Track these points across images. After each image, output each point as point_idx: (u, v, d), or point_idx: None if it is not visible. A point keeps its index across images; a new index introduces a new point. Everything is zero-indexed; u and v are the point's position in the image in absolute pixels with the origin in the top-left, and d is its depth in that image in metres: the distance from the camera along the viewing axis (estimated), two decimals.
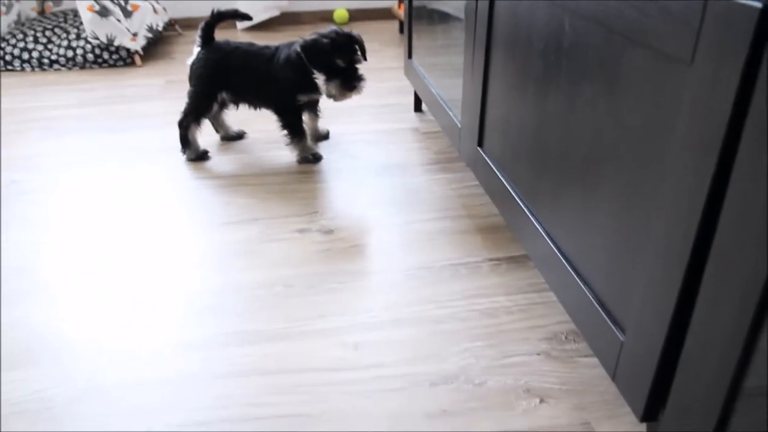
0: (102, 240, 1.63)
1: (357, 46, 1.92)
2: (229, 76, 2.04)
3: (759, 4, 0.60)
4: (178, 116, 2.42)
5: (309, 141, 2.10)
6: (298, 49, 1.89)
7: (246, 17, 2.19)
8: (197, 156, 2.11)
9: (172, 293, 1.42)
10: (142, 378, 1.18)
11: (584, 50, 0.99)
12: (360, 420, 1.08)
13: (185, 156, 2.11)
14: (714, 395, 0.73)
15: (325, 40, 1.85)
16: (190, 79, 2.08)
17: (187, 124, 2.08)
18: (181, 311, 1.36)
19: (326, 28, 1.92)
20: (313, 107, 2.13)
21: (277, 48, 2.00)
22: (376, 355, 1.22)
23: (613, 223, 0.95)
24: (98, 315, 1.35)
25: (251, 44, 2.07)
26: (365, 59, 1.96)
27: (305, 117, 2.11)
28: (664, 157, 0.79)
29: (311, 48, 1.87)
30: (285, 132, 2.04)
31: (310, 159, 2.06)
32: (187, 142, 2.10)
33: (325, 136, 2.26)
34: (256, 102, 2.10)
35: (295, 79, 1.94)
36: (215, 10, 2.04)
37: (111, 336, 1.29)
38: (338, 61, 1.87)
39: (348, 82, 1.90)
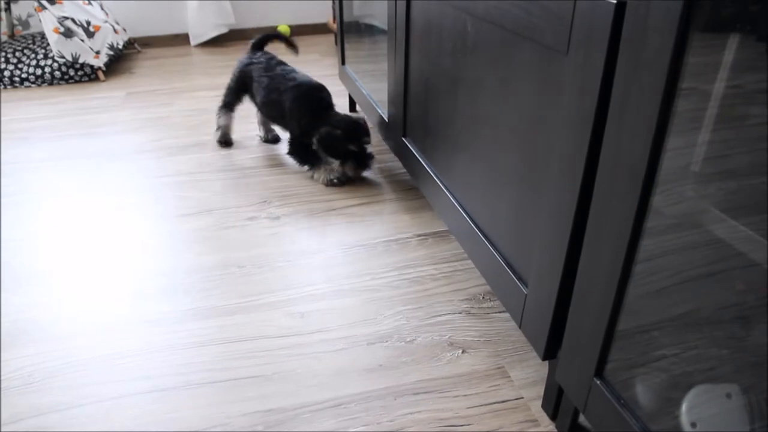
0: (74, 233, 1.58)
1: (363, 131, 1.83)
2: (249, 83, 2.00)
3: (614, 0, 0.62)
4: (138, 123, 2.39)
5: (334, 164, 1.85)
6: (314, 140, 1.81)
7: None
8: (219, 140, 2.13)
9: (138, 276, 1.39)
10: (113, 352, 1.16)
11: (484, 47, 1.01)
12: (307, 377, 1.08)
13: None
14: (596, 334, 0.75)
15: (338, 132, 1.78)
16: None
17: (219, 110, 2.10)
18: (146, 291, 1.33)
19: (336, 116, 1.84)
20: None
21: (293, 83, 1.88)
22: (320, 321, 1.23)
23: (514, 196, 0.97)
24: (72, 299, 1.31)
25: (278, 63, 1.98)
26: (369, 140, 1.86)
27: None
28: (551, 135, 0.82)
29: (326, 140, 1.79)
30: (294, 159, 1.93)
31: (335, 182, 1.85)
32: (218, 126, 2.11)
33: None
34: (273, 119, 2.03)
35: (303, 122, 1.85)
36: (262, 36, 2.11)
37: (83, 316, 1.25)
38: (351, 147, 1.80)
39: (361, 162, 1.84)
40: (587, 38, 0.68)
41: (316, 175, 1.87)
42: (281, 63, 1.99)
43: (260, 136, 2.19)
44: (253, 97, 2.03)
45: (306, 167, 1.90)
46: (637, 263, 0.68)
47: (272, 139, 2.17)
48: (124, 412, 1.02)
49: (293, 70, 1.96)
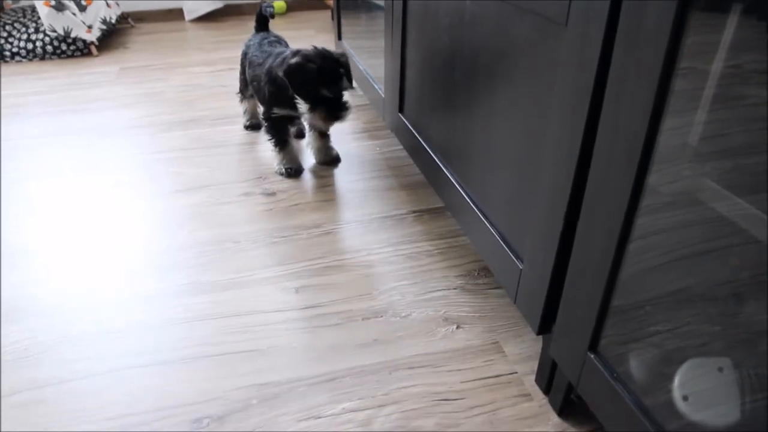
0: (68, 210, 1.57)
1: (343, 71, 1.54)
2: (245, 64, 1.83)
3: None
4: (131, 99, 2.37)
5: (293, 152, 1.74)
6: (280, 73, 1.51)
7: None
8: (245, 124, 2.04)
9: (132, 253, 1.38)
10: (108, 327, 1.16)
11: (482, 20, 1.00)
12: (302, 352, 1.09)
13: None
14: (591, 309, 0.76)
15: (311, 66, 1.47)
16: None
17: (240, 97, 2.00)
18: (141, 268, 1.33)
19: (310, 48, 1.53)
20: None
21: (275, 54, 1.65)
22: (315, 297, 1.23)
23: (511, 171, 0.97)
24: (67, 276, 1.31)
25: (273, 42, 1.79)
26: (352, 85, 1.58)
27: (310, 135, 1.79)
28: (549, 110, 0.81)
29: (296, 74, 1.48)
30: (271, 140, 1.72)
31: (283, 173, 1.71)
32: (243, 110, 2.02)
33: (335, 159, 1.80)
34: (257, 97, 1.81)
35: (273, 92, 1.61)
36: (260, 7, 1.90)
37: (79, 293, 1.25)
38: (324, 91, 1.50)
39: (333, 111, 1.53)
40: (586, 9, 0.68)
41: (276, 159, 1.73)
42: (277, 41, 1.82)
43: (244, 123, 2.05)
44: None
45: (274, 143, 1.72)
46: (632, 240, 0.68)
47: (252, 126, 2.03)
48: (119, 387, 1.03)
49: (286, 48, 1.74)
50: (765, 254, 0.56)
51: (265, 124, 1.71)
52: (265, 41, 1.79)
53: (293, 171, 1.71)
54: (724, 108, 0.59)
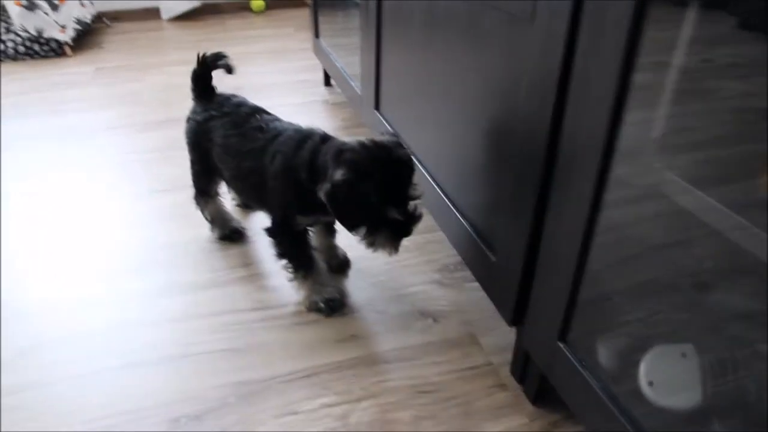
0: (44, 212, 1.57)
1: (406, 173, 1.00)
2: (210, 150, 1.28)
3: None
4: (107, 99, 2.35)
5: (323, 276, 1.21)
6: (321, 196, 0.98)
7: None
8: (220, 237, 1.42)
9: (109, 253, 1.38)
10: (86, 329, 1.16)
11: (453, 17, 1.01)
12: (280, 349, 1.10)
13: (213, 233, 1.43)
14: (560, 300, 0.78)
15: (367, 185, 0.95)
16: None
17: (197, 200, 1.42)
18: (119, 268, 1.33)
19: (355, 140, 1.00)
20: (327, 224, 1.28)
21: (274, 135, 1.15)
22: (292, 294, 1.23)
23: (483, 165, 0.98)
24: (45, 277, 1.31)
25: (252, 112, 1.24)
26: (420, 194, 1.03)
27: (316, 235, 1.28)
28: (517, 103, 0.83)
29: (345, 196, 0.97)
30: (282, 262, 1.19)
31: (322, 308, 1.18)
32: (206, 219, 1.43)
33: (344, 264, 1.32)
34: (248, 200, 1.41)
35: (293, 199, 1.12)
36: (203, 55, 1.37)
37: (56, 294, 1.25)
38: (393, 212, 0.99)
39: (401, 229, 1.03)
40: (551, 5, 0.69)
41: (297, 287, 1.20)
42: (257, 110, 1.26)
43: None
44: (219, 172, 1.30)
45: (294, 268, 1.19)
46: (599, 233, 0.70)
47: (232, 234, 1.43)
48: (98, 389, 1.03)
49: (276, 119, 1.24)
50: (726, 245, 0.59)
51: (275, 240, 1.18)
52: (240, 111, 1.25)
53: (337, 303, 1.20)
54: (691, 101, 0.61)
